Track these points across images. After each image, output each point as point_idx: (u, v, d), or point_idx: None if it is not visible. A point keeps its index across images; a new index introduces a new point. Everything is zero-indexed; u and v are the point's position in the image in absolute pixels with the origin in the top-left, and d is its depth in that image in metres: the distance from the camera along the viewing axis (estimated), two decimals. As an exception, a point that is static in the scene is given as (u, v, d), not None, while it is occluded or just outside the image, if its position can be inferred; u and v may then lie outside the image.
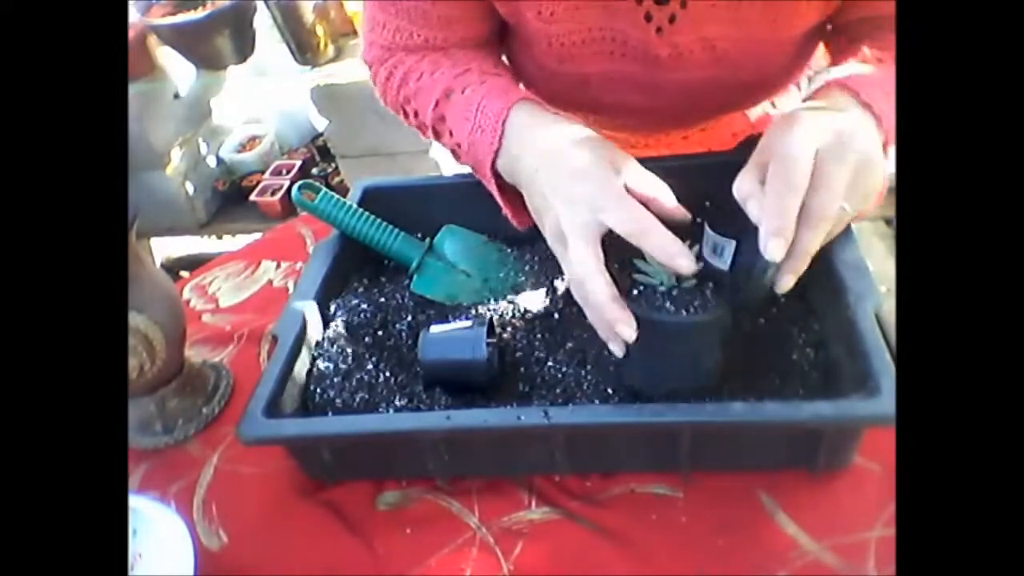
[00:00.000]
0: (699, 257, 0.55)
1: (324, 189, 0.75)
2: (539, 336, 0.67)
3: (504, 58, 0.78)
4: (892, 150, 0.57)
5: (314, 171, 2.23)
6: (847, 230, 0.60)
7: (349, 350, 0.67)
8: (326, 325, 0.70)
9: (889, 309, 0.58)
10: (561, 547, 0.56)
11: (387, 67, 0.72)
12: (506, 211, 0.66)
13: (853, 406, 0.51)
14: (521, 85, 0.80)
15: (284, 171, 2.18)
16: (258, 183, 2.17)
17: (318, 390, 0.64)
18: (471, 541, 0.57)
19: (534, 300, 0.70)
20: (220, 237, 2.34)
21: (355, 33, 2.05)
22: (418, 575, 0.56)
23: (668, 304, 0.54)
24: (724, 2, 0.61)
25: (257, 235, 1.11)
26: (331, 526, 0.60)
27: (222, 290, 0.90)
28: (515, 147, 0.61)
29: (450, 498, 0.61)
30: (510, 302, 0.70)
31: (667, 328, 0.53)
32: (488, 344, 0.62)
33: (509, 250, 0.77)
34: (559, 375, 0.62)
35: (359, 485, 0.63)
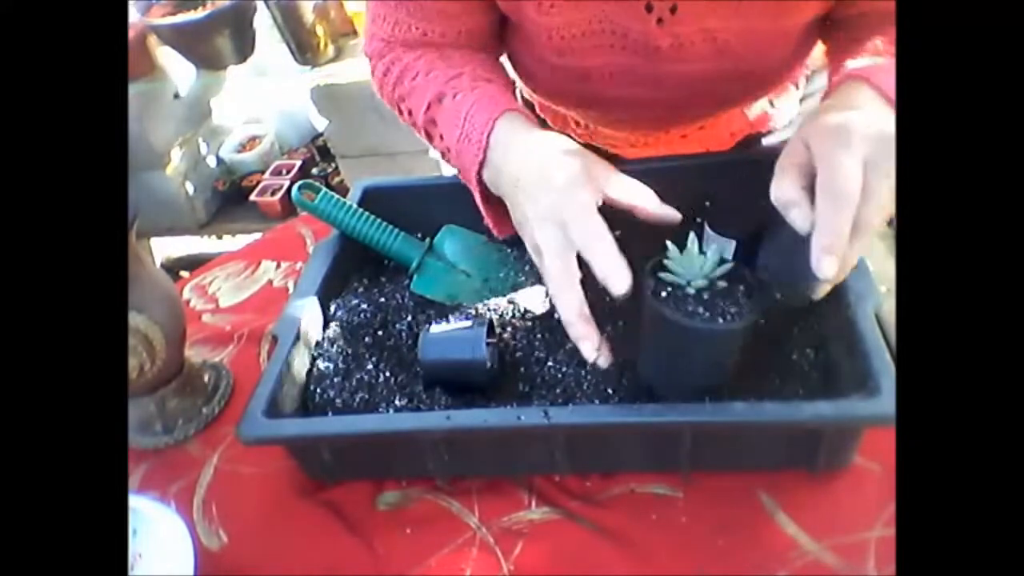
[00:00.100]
0: (733, 259, 0.54)
1: (324, 189, 0.75)
2: (539, 336, 0.67)
3: (505, 55, 0.78)
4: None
5: (314, 171, 2.23)
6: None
7: (349, 350, 0.67)
8: (326, 325, 0.70)
9: (889, 309, 0.58)
10: (561, 547, 0.56)
11: (385, 62, 0.72)
12: (488, 220, 0.66)
13: (853, 406, 0.51)
14: (522, 80, 0.80)
15: (284, 171, 2.18)
16: (258, 183, 2.17)
17: (318, 390, 0.64)
18: (471, 541, 0.57)
19: (534, 300, 0.70)
20: (220, 237, 2.34)
21: (355, 33, 2.06)
22: (418, 575, 0.56)
23: (700, 308, 0.52)
24: None
25: (257, 235, 1.11)
26: (331, 526, 0.60)
27: (222, 290, 0.90)
28: (499, 159, 0.61)
29: (450, 498, 0.61)
30: (510, 302, 0.70)
31: (700, 334, 0.52)
32: (488, 344, 0.62)
33: (509, 250, 0.76)
34: (559, 375, 0.62)
35: (359, 485, 0.63)
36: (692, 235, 0.55)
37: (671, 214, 0.56)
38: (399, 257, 0.75)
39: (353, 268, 0.78)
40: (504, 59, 0.80)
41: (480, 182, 0.64)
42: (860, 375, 0.52)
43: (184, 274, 1.09)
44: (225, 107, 2.29)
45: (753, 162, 0.75)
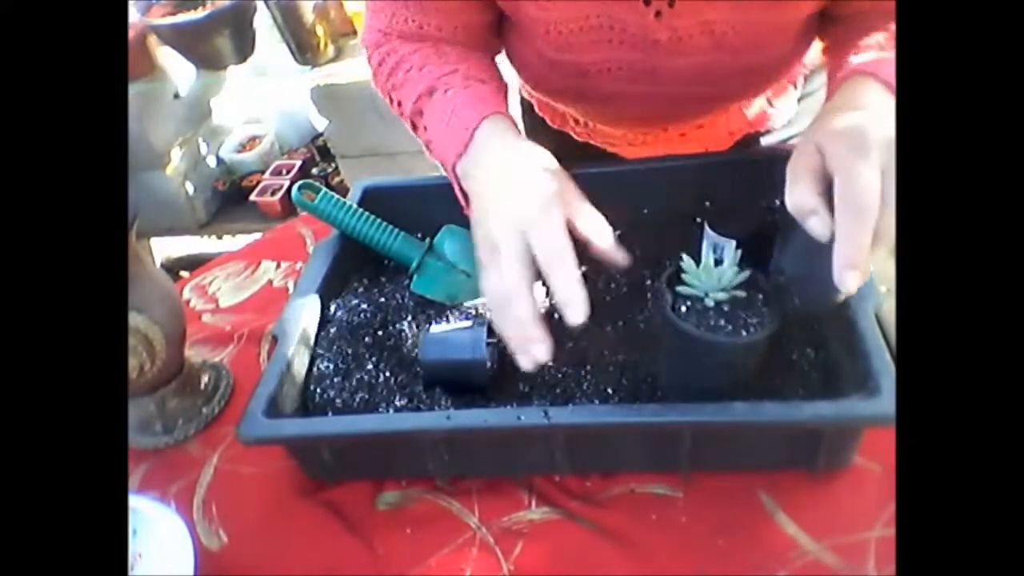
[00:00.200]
0: (764, 270, 0.53)
1: (324, 189, 0.75)
2: (539, 336, 0.67)
3: (504, 53, 0.78)
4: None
5: (314, 171, 2.23)
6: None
7: (349, 350, 0.67)
8: (326, 325, 0.70)
9: (889, 309, 0.58)
10: (561, 547, 0.56)
11: (381, 53, 0.73)
12: (468, 210, 0.67)
13: (853, 406, 0.51)
14: (520, 76, 0.80)
15: (284, 171, 2.19)
16: (258, 183, 2.17)
17: (318, 390, 0.64)
18: (471, 541, 0.57)
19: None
20: (220, 237, 2.34)
21: (355, 33, 2.05)
22: (418, 575, 0.56)
23: (722, 321, 0.52)
24: None
25: (257, 235, 1.11)
26: (331, 526, 0.60)
27: (222, 290, 0.90)
28: (478, 155, 0.62)
29: (450, 498, 0.61)
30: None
31: (724, 348, 0.52)
32: (488, 344, 0.62)
33: (509, 250, 0.76)
34: (559, 375, 0.62)
35: (359, 485, 0.63)
36: (706, 247, 0.54)
37: (622, 257, 0.56)
38: (399, 257, 0.75)
39: (353, 268, 0.78)
40: (502, 57, 0.80)
41: (454, 173, 0.64)
42: (860, 375, 0.52)
43: (184, 274, 1.09)
44: (225, 107, 2.29)
45: (753, 162, 0.76)
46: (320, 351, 0.67)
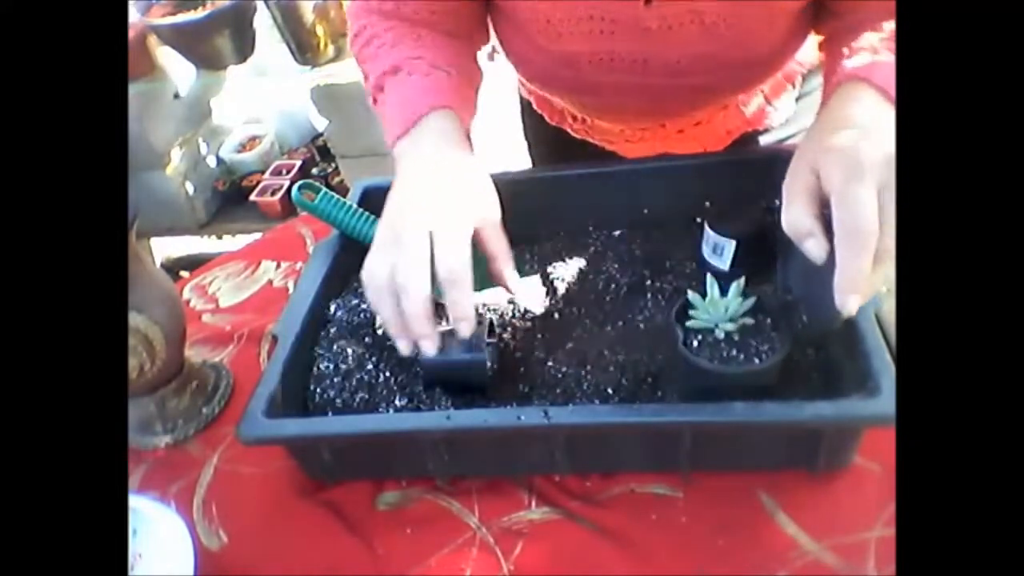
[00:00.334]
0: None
1: (324, 189, 0.75)
2: (539, 336, 0.67)
3: (499, 44, 0.78)
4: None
5: (314, 171, 2.23)
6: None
7: (349, 350, 0.67)
8: (326, 325, 0.70)
9: (889, 309, 0.58)
10: (561, 547, 0.56)
11: (359, 24, 0.74)
12: None
13: (853, 406, 0.51)
14: (515, 67, 0.81)
15: (284, 171, 2.18)
16: (258, 183, 2.17)
17: (318, 390, 0.64)
18: (471, 541, 0.57)
19: (534, 300, 0.70)
20: (220, 237, 2.34)
21: (355, 33, 2.05)
22: (418, 575, 0.56)
23: (734, 351, 0.54)
24: None
25: (257, 235, 1.11)
26: (331, 526, 0.60)
27: (222, 290, 0.90)
28: (416, 141, 0.64)
29: (450, 498, 0.61)
30: (510, 302, 0.70)
31: (739, 378, 0.53)
32: (488, 344, 0.62)
33: (509, 250, 0.76)
34: (559, 375, 0.62)
35: (359, 485, 0.63)
36: (710, 280, 0.55)
37: (514, 281, 0.61)
38: (399, 257, 0.75)
39: (353, 268, 0.77)
40: (499, 57, 0.80)
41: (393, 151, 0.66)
42: (860, 375, 0.52)
43: (184, 274, 1.09)
44: (225, 107, 2.29)
45: (753, 162, 0.76)
46: (320, 351, 0.67)
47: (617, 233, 0.77)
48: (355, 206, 0.75)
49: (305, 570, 0.58)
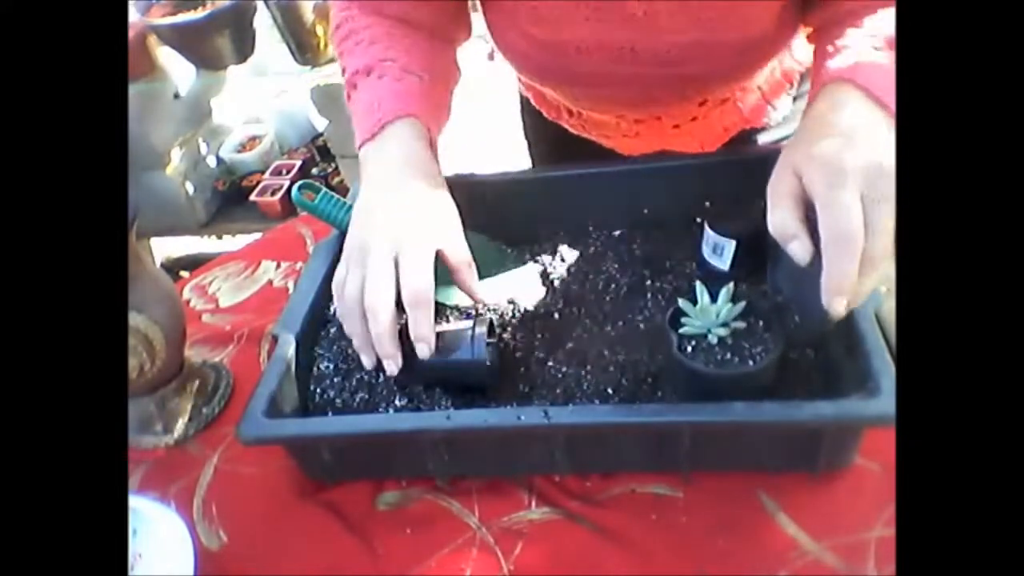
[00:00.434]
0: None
1: (324, 189, 0.75)
2: (539, 336, 0.67)
3: (490, 35, 0.78)
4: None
5: (314, 171, 2.23)
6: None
7: (349, 350, 0.67)
8: (326, 325, 0.70)
9: (889, 309, 0.58)
10: (561, 547, 0.56)
11: (341, 16, 0.74)
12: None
13: (853, 406, 0.51)
14: (507, 58, 0.81)
15: (284, 171, 2.18)
16: (258, 183, 2.17)
17: (318, 390, 0.64)
18: (471, 541, 0.57)
19: (534, 300, 0.70)
20: (220, 237, 2.34)
21: (355, 33, 2.05)
22: (418, 575, 0.56)
23: (728, 355, 0.55)
24: None
25: (257, 235, 1.11)
26: (331, 526, 0.60)
27: (222, 290, 0.90)
28: (381, 148, 0.66)
29: (450, 498, 0.61)
30: (510, 302, 0.70)
31: (734, 380, 0.54)
32: (488, 344, 0.62)
33: (509, 250, 0.76)
34: (559, 375, 0.62)
35: (359, 485, 0.63)
36: (699, 287, 0.56)
37: (481, 294, 0.63)
38: (399, 257, 0.75)
39: (353, 268, 0.78)
40: (499, 57, 0.80)
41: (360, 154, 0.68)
42: (860, 375, 0.52)
43: (184, 274, 1.09)
44: (225, 107, 2.29)
45: (753, 162, 0.75)
46: (320, 351, 0.67)
47: (617, 233, 0.77)
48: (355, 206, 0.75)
49: (305, 570, 0.58)
